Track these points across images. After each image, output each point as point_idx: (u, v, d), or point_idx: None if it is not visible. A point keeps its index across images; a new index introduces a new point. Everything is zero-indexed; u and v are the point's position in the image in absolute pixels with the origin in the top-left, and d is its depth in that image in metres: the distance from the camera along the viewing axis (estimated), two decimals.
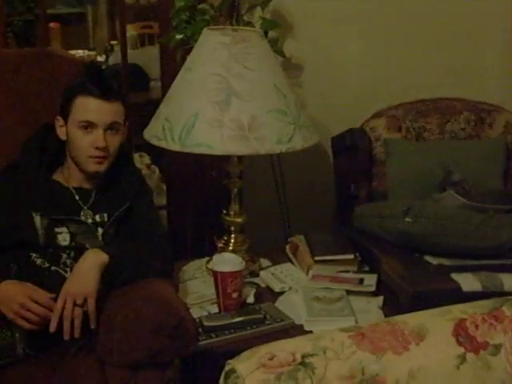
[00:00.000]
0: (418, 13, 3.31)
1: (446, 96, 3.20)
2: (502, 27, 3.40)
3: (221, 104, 2.37)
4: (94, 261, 2.07)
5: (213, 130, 2.36)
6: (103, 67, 4.55)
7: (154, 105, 2.66)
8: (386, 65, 3.34)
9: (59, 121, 2.28)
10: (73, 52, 5.41)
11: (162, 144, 2.45)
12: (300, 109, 2.56)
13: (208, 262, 2.65)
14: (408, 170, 2.95)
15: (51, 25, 5.67)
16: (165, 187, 3.62)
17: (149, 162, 4.19)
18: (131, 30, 5.86)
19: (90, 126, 2.21)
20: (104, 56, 5.54)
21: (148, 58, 4.88)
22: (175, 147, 2.41)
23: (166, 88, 2.68)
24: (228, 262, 2.37)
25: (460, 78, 3.39)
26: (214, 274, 2.35)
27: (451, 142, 3.09)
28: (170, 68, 3.04)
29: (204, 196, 3.10)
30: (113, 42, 5.36)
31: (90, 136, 2.22)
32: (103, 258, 2.08)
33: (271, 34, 3.01)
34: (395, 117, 3.09)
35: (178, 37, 2.93)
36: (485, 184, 2.94)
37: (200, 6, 2.89)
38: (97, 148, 2.22)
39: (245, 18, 3.00)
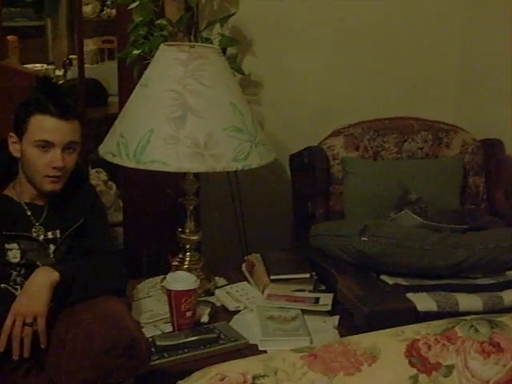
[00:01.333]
0: (377, 32, 3.34)
1: (403, 115, 3.23)
2: (460, 46, 3.45)
3: (176, 121, 2.37)
4: (44, 279, 2.04)
5: (168, 146, 2.35)
6: (59, 82, 4.52)
7: (113, 120, 2.63)
8: (345, 83, 3.35)
9: (12, 137, 2.23)
10: (31, 66, 5.38)
11: (117, 160, 2.43)
12: (257, 126, 2.55)
13: (163, 280, 2.63)
14: (365, 189, 2.96)
15: (9, 38, 5.62)
16: (121, 204, 3.59)
17: (106, 178, 4.15)
18: (91, 45, 5.82)
19: (47, 145, 2.17)
20: (62, 70, 5.49)
21: (107, 73, 4.83)
22: (130, 164, 2.39)
23: (123, 103, 2.66)
24: (182, 280, 2.35)
25: (418, 97, 3.44)
26: (168, 292, 2.34)
27: (409, 161, 3.11)
28: (128, 83, 3.01)
29: (160, 213, 3.08)
30: (72, 57, 5.30)
31: (47, 155, 2.18)
32: (54, 275, 2.05)
33: (230, 50, 3.01)
34: (353, 135, 3.10)
35: (136, 52, 2.91)
36: (442, 203, 2.97)
37: (158, 21, 2.87)
38: (54, 168, 2.19)
39: (203, 34, 3.00)
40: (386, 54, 3.37)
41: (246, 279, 2.74)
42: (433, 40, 3.42)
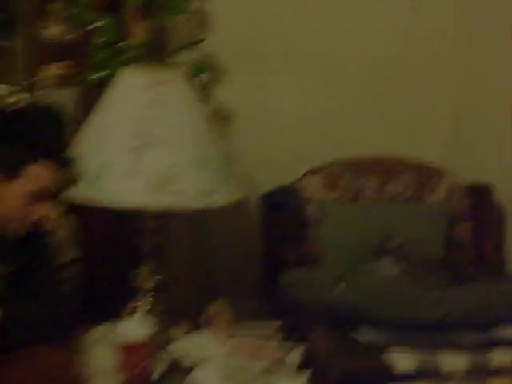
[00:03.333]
0: (360, 66, 3.33)
1: (386, 155, 3.19)
2: (451, 82, 3.43)
3: (135, 151, 2.29)
4: None
5: (123, 180, 2.28)
6: None
7: None
8: (324, 118, 3.32)
9: None
10: None
11: (67, 195, 2.35)
12: (225, 160, 2.48)
13: (116, 327, 2.52)
14: (342, 233, 2.93)
15: None
16: (78, 239, 3.50)
17: (63, 210, 4.05)
18: (54, 69, 5.75)
19: (37, 196, 2.14)
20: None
21: (68, 99, 4.76)
22: (80, 198, 2.32)
23: None
24: (135, 329, 2.25)
25: (403, 134, 3.40)
26: (122, 341, 2.23)
27: (390, 204, 3.08)
28: (89, 110, 2.94)
29: (117, 252, 2.99)
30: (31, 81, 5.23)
31: (31, 206, 2.14)
32: None
33: (200, 78, 2.95)
34: (331, 174, 3.07)
35: (96, 76, 2.85)
36: (425, 251, 2.92)
37: (121, 43, 2.80)
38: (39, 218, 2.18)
39: (171, 60, 2.94)
40: (371, 89, 3.36)
41: (207, 328, 2.63)
42: (421, 74, 3.42)
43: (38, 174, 2.15)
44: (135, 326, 2.28)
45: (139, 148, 2.29)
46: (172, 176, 2.29)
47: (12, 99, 5.05)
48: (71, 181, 2.33)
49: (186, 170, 2.32)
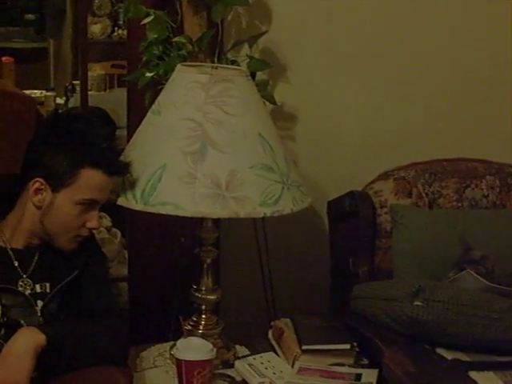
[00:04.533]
0: (436, 58, 3.29)
1: (466, 156, 3.15)
2: None
3: (194, 155, 2.30)
4: (28, 343, 1.97)
5: (183, 186, 2.28)
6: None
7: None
8: (396, 117, 3.29)
9: (39, 183, 2.18)
10: (28, 92, 5.37)
11: (121, 201, 2.37)
12: (290, 164, 2.49)
13: (172, 347, 2.54)
14: (418, 243, 2.88)
15: (3, 59, 5.63)
16: (127, 255, 3.53)
17: (109, 224, 4.10)
18: (98, 69, 5.84)
19: (90, 204, 2.21)
20: (64, 98, 5.49)
21: (115, 101, 4.82)
22: (136, 206, 2.33)
23: (132, 132, 2.62)
24: (196, 348, 2.25)
25: (483, 135, 3.36)
26: (178, 362, 2.24)
27: (471, 211, 3.03)
28: (139, 113, 2.96)
29: (171, 267, 3.00)
30: (75, 82, 5.30)
31: (85, 215, 2.22)
32: (40, 339, 1.98)
33: (260, 76, 2.96)
34: (405, 179, 3.02)
35: (148, 75, 2.87)
36: (511, 262, 2.86)
37: (175, 39, 2.81)
38: (88, 228, 2.24)
39: (229, 55, 2.96)
40: (446, 84, 3.31)
41: (272, 349, 2.66)
42: (503, 67, 3.35)
43: (91, 182, 2.18)
44: (197, 345, 2.29)
45: (200, 152, 2.30)
46: (234, 182, 2.29)
47: (60, 101, 5.16)
48: (126, 188, 2.36)
49: (250, 175, 2.32)
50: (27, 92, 5.31)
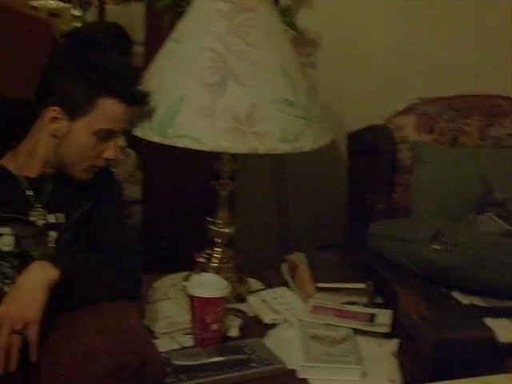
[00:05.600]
0: None
1: (491, 93, 3.08)
2: None
3: (214, 87, 2.26)
4: (41, 277, 1.95)
5: (201, 119, 2.25)
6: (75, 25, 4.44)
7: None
8: (421, 47, 3.23)
9: (56, 112, 2.14)
10: (42, 2, 5.26)
11: (138, 132, 2.35)
12: (312, 99, 2.44)
13: (186, 278, 2.54)
14: (439, 181, 2.84)
15: None
16: (141, 176, 3.50)
17: (124, 144, 4.04)
18: None
19: (108, 135, 2.18)
20: (80, 10, 5.38)
21: (132, 17, 4.70)
22: (153, 137, 2.30)
23: (150, 55, 2.58)
24: (209, 284, 2.25)
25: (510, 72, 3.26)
26: (191, 298, 2.24)
27: (495, 150, 2.99)
28: (156, 32, 2.92)
29: (186, 196, 2.98)
30: None
31: (102, 145, 2.19)
32: (52, 273, 1.96)
33: (283, 1, 2.88)
34: (427, 114, 2.98)
35: None
36: None
37: None
38: (106, 159, 2.21)
39: None
40: (476, 13, 3.22)
41: (286, 284, 2.66)
42: None
43: (109, 111, 2.14)
44: (211, 281, 2.28)
45: (220, 84, 2.25)
46: (254, 116, 2.25)
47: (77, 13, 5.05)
48: (143, 118, 2.32)
49: (271, 110, 2.28)
50: (41, 2, 5.24)
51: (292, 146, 2.31)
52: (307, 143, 2.35)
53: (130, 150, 4.09)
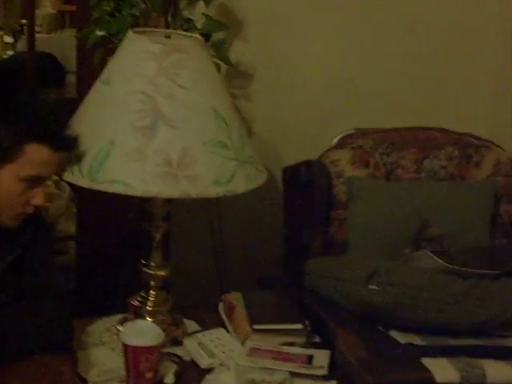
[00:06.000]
0: (400, 18, 3.24)
1: (425, 125, 3.10)
2: (501, 45, 3.33)
3: (144, 131, 2.21)
4: None
5: (132, 163, 2.20)
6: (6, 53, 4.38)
7: (71, 104, 2.52)
8: (355, 81, 3.24)
9: None
10: None
11: (67, 177, 2.28)
12: (245, 139, 2.42)
13: (121, 321, 2.49)
14: (374, 217, 2.85)
15: None
16: (76, 210, 3.45)
17: (57, 177, 3.98)
18: (48, 6, 5.66)
19: (36, 180, 2.10)
20: (12, 38, 5.33)
21: (65, 45, 4.67)
22: (83, 182, 2.24)
23: (82, 86, 2.54)
24: (143, 332, 2.19)
25: (445, 103, 3.34)
26: (124, 347, 2.18)
27: (429, 183, 2.99)
28: (88, 64, 2.87)
29: (120, 239, 2.92)
30: (24, 21, 5.13)
31: (30, 191, 2.11)
32: None
33: (216, 36, 2.87)
34: (362, 148, 2.97)
35: (99, 33, 2.78)
36: (468, 237, 2.87)
37: None
38: (34, 206, 2.13)
39: (184, 14, 2.85)
40: (410, 48, 3.26)
41: (223, 324, 2.61)
42: (468, 32, 3.33)
43: (36, 157, 2.09)
44: (144, 328, 2.23)
45: (151, 127, 2.21)
46: (186, 159, 2.22)
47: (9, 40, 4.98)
48: (72, 162, 2.27)
49: (203, 152, 2.24)
50: None
51: (224, 188, 2.27)
52: (240, 186, 2.31)
53: (64, 183, 4.03)
